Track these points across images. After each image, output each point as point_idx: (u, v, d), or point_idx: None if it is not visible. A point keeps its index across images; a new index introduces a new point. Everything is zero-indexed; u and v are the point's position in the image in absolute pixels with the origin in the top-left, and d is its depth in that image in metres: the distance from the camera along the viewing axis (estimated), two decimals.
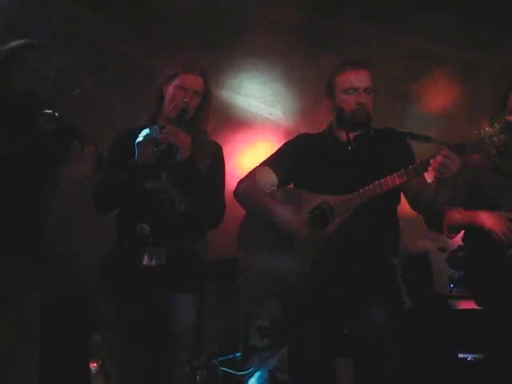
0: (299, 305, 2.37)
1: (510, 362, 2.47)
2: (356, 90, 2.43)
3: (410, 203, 2.49)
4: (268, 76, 3.86)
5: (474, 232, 2.78)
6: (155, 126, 2.43)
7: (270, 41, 3.81)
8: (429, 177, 2.32)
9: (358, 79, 2.44)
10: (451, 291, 3.27)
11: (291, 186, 2.56)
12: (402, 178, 2.24)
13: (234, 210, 2.61)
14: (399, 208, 2.53)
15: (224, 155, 2.65)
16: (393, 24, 3.84)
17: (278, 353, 3.05)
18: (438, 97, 3.84)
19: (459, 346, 3.28)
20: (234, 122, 3.92)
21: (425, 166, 2.24)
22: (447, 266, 3.16)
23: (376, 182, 2.26)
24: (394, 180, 2.25)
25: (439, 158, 2.19)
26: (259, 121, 3.87)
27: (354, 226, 2.29)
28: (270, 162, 2.56)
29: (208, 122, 2.63)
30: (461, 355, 3.27)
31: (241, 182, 2.58)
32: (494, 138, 2.15)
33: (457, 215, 2.83)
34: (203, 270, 2.68)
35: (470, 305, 3.05)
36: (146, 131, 2.40)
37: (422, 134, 2.39)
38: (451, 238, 2.94)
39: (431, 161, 2.21)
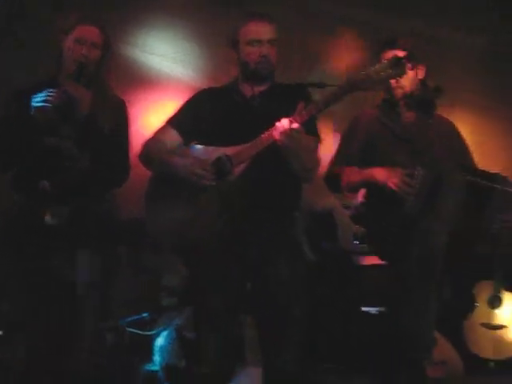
0: (202, 260, 2.37)
1: (408, 314, 2.59)
2: (259, 41, 2.42)
3: None
4: (180, 35, 3.78)
5: (372, 188, 2.88)
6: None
7: None
8: None
9: (261, 31, 2.43)
10: (355, 247, 3.36)
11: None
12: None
13: (145, 171, 2.58)
14: None
15: (134, 115, 2.64)
16: None
17: (185, 311, 3.05)
18: (344, 56, 3.90)
19: (363, 300, 3.38)
20: (145, 81, 3.82)
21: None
22: (351, 222, 3.25)
23: (268, 131, 2.27)
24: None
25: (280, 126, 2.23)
26: (171, 80, 3.78)
27: (253, 178, 2.31)
28: (172, 122, 2.52)
29: (110, 76, 2.56)
30: (364, 309, 3.37)
31: (145, 143, 2.54)
32: (382, 73, 2.18)
33: (353, 174, 2.92)
34: (110, 231, 2.64)
35: (373, 260, 3.17)
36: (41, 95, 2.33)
37: (315, 81, 2.43)
38: (350, 197, 3.03)
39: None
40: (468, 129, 4.07)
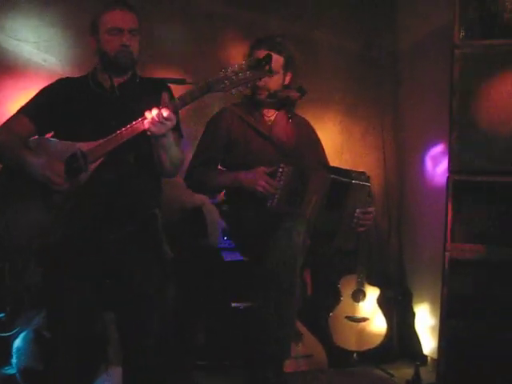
0: (55, 260, 2.27)
1: (269, 308, 2.60)
2: (120, 30, 2.35)
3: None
4: (43, 20, 3.60)
5: (234, 189, 2.89)
6: None
7: None
8: None
9: (122, 20, 2.36)
10: (224, 243, 3.37)
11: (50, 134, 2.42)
12: (138, 128, 2.22)
13: None
14: None
15: None
16: None
17: (44, 311, 2.92)
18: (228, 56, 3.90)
19: (232, 295, 3.39)
20: (5, 67, 3.61)
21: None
22: (220, 219, 3.24)
23: (126, 126, 2.21)
24: (140, 124, 2.21)
25: (149, 115, 2.19)
26: (32, 67, 3.59)
27: (110, 174, 2.23)
28: (26, 110, 2.39)
29: None
30: (234, 304, 3.38)
31: None
32: (240, 74, 2.18)
33: (218, 177, 2.91)
34: None
35: (240, 256, 3.18)
36: None
37: (176, 77, 2.39)
38: (214, 198, 3.03)
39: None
40: (338, 127, 4.24)
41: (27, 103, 2.41)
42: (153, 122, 2.16)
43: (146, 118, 2.18)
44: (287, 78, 2.98)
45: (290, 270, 2.53)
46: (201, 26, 3.90)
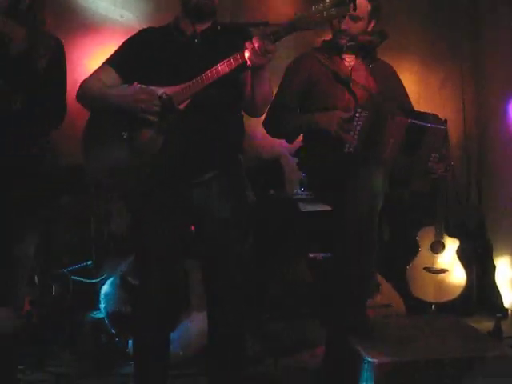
0: (142, 203, 2.33)
1: (349, 257, 2.60)
2: None
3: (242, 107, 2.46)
4: None
5: (312, 134, 2.87)
6: None
7: None
8: None
9: None
10: (301, 194, 3.37)
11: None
12: (230, 65, 2.19)
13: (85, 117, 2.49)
14: None
15: (74, 59, 2.50)
16: None
17: (129, 257, 3.03)
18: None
19: (309, 245, 3.40)
20: (83, 24, 3.68)
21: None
22: (297, 170, 3.24)
23: (211, 69, 2.21)
24: (225, 66, 2.19)
25: (250, 45, 2.15)
26: (109, 23, 3.66)
27: (195, 117, 2.25)
28: (111, 61, 2.42)
29: (46, 13, 2.43)
30: (311, 255, 3.39)
31: (83, 82, 2.44)
32: (325, 12, 2.15)
33: (295, 119, 2.90)
34: (51, 180, 2.57)
35: (317, 207, 3.18)
36: None
37: (259, 20, 2.37)
38: (291, 143, 3.02)
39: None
40: (415, 77, 4.13)
41: (112, 54, 2.45)
42: (254, 52, 2.14)
43: (245, 50, 2.16)
44: (370, 25, 2.92)
45: (369, 216, 2.51)
46: None
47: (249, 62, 2.18)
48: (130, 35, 2.54)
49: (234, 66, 2.19)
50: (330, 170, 2.76)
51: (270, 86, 2.39)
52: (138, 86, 2.27)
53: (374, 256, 2.62)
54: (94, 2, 3.65)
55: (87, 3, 3.67)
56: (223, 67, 2.19)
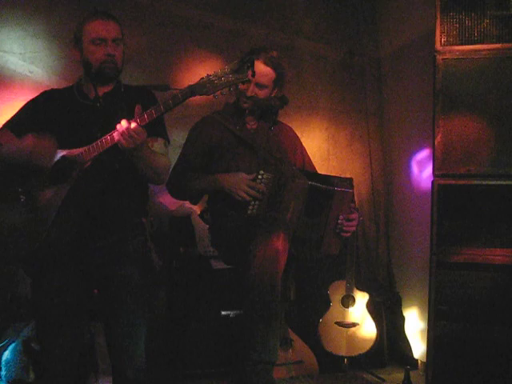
0: (41, 269, 2.26)
1: (254, 312, 2.60)
2: (104, 40, 2.36)
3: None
4: (28, 31, 3.60)
5: (215, 195, 2.89)
6: None
7: None
8: None
9: (105, 29, 2.37)
10: (213, 251, 3.37)
11: None
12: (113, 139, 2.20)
13: None
14: None
15: None
16: None
17: (32, 322, 2.91)
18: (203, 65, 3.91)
19: (221, 303, 3.38)
20: None
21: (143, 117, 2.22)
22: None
23: (110, 133, 2.21)
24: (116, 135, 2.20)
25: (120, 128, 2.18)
26: (18, 78, 3.59)
27: (96, 181, 2.23)
28: (11, 125, 2.40)
29: None
30: (223, 312, 3.37)
31: None
32: (223, 78, 2.19)
33: (198, 180, 2.91)
34: None
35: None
36: None
37: (159, 84, 2.39)
38: (195, 204, 3.03)
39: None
40: (325, 134, 4.26)
41: (12, 117, 2.42)
42: (122, 134, 2.15)
43: (115, 132, 2.19)
44: (274, 92, 3.00)
45: (272, 274, 2.53)
46: (182, 35, 3.91)
47: (119, 145, 2.19)
48: (39, 91, 2.52)
49: (110, 144, 2.21)
50: (233, 231, 2.78)
51: (163, 157, 2.40)
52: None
53: (280, 311, 2.64)
54: (2, 57, 3.58)
55: None
56: (114, 136, 2.20)
